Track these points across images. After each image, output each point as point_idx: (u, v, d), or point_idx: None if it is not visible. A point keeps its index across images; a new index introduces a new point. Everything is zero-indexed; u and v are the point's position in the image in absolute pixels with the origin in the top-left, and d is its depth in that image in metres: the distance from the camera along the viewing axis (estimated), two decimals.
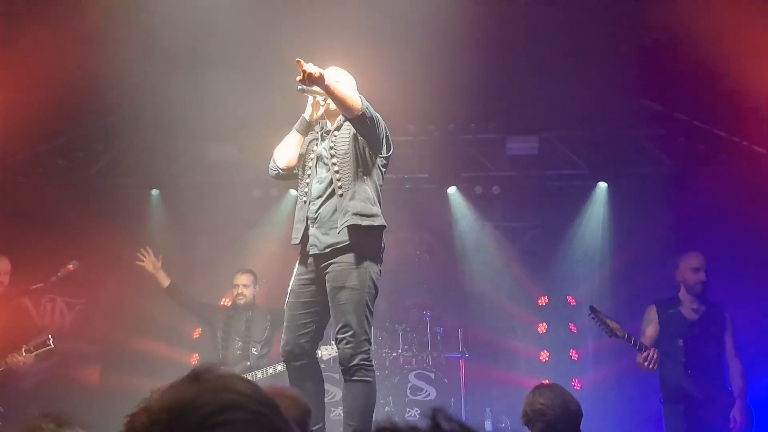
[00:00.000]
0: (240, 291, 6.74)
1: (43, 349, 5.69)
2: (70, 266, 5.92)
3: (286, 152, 4.11)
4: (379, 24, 4.79)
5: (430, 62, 6.85)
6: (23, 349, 5.64)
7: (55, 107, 6.96)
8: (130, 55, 6.62)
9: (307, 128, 4.14)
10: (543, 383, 3.53)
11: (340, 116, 4.06)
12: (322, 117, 4.13)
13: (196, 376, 1.09)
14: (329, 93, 3.69)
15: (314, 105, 4.11)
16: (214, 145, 8.43)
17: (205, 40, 6.58)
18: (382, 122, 3.92)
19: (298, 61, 3.58)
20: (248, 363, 6.50)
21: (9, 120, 6.59)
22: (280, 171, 4.13)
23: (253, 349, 6.58)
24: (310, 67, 3.57)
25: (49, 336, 5.73)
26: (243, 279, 6.82)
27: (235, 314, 6.79)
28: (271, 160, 4.17)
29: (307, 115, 4.13)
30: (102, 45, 6.42)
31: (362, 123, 3.78)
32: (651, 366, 5.26)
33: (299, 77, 3.59)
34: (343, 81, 4.10)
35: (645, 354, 5.26)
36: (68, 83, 6.66)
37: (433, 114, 7.99)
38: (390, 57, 4.45)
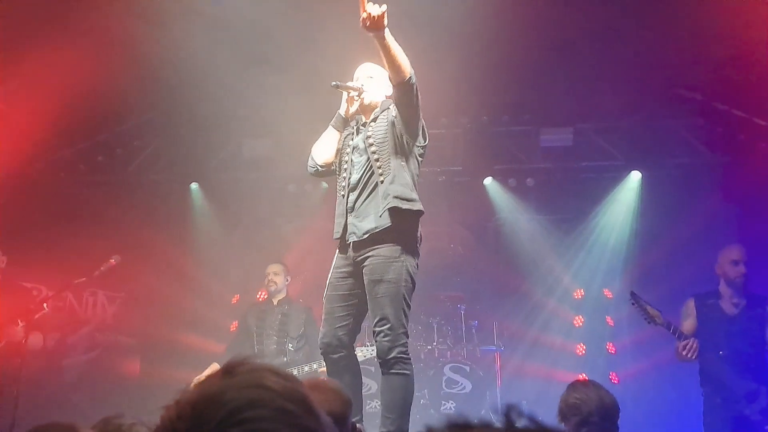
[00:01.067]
0: (270, 278, 6.85)
1: (38, 315, 5.70)
2: (112, 261, 6.03)
3: (323, 149, 4.14)
4: (414, 18, 4.79)
5: (464, 54, 6.82)
6: (19, 323, 5.68)
7: (95, 105, 7.11)
8: (169, 53, 6.72)
9: (343, 124, 4.17)
10: (578, 379, 3.52)
11: (377, 110, 4.08)
12: (357, 112, 4.15)
13: (228, 370, 1.09)
14: (384, 46, 3.61)
15: (349, 100, 4.12)
16: (250, 141, 8.52)
17: (244, 38, 6.64)
18: (419, 105, 3.92)
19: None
20: (285, 359, 6.52)
21: (50, 118, 6.74)
22: (319, 168, 4.17)
23: (290, 345, 6.62)
24: (373, 8, 3.48)
25: (45, 304, 5.79)
26: (273, 268, 6.95)
27: (269, 309, 6.87)
28: (309, 158, 4.20)
29: (342, 110, 4.15)
30: (141, 43, 6.52)
31: (406, 90, 3.77)
32: (690, 355, 5.22)
33: (363, 16, 3.48)
34: (377, 76, 4.13)
35: (684, 343, 5.22)
36: (108, 81, 6.78)
37: (466, 106, 7.97)
38: (424, 50, 4.45)
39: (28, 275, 6.99)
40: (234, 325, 7.89)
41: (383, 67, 3.78)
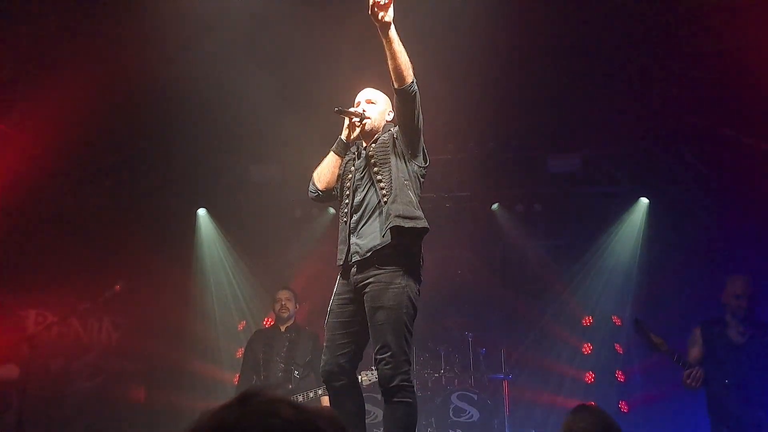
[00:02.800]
0: (283, 304, 6.79)
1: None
2: (117, 287, 6.03)
3: (324, 174, 4.13)
4: (420, 44, 4.82)
5: (472, 80, 6.85)
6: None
7: (102, 129, 7.16)
8: (177, 78, 6.78)
9: (344, 149, 4.16)
10: (583, 404, 3.44)
11: (378, 134, 4.07)
12: (358, 138, 4.14)
13: (244, 399, 1.09)
14: (389, 40, 3.57)
15: (350, 126, 4.11)
16: (257, 166, 8.55)
17: (251, 64, 6.70)
18: (421, 118, 3.90)
19: None
20: (290, 386, 6.45)
21: (57, 142, 6.79)
22: (320, 193, 4.15)
23: (296, 372, 6.54)
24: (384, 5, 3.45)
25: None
26: (285, 293, 6.90)
27: (276, 335, 6.78)
28: (310, 183, 4.19)
29: (343, 136, 4.15)
30: (149, 69, 6.59)
31: (407, 96, 3.73)
32: (695, 384, 5.16)
33: (371, 0, 3.43)
34: (378, 101, 4.14)
35: (689, 372, 5.16)
36: (116, 105, 6.84)
37: (474, 132, 7.98)
38: (430, 76, 4.46)
39: (33, 300, 7.00)
40: (240, 352, 7.85)
41: (389, 71, 3.73)
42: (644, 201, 8.11)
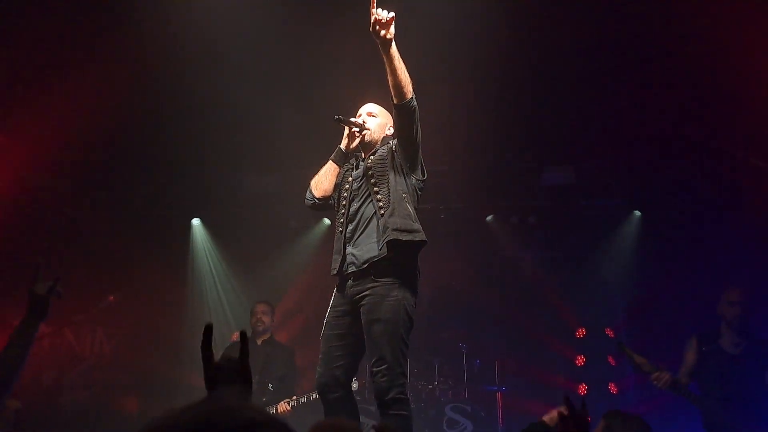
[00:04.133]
0: (259, 317, 6.80)
1: None
2: (111, 298, 6.02)
3: (321, 182, 4.15)
4: (418, 56, 4.85)
5: (466, 92, 6.88)
6: None
7: (96, 138, 7.15)
8: (172, 88, 6.79)
9: (343, 159, 4.19)
10: (616, 410, 3.41)
11: (377, 147, 4.10)
12: (357, 148, 4.17)
13: (211, 399, 1.12)
14: (389, 56, 3.61)
15: (350, 136, 4.15)
16: (252, 176, 8.55)
17: (247, 73, 6.71)
18: (420, 132, 3.93)
19: (372, 1, 3.49)
20: (264, 399, 6.43)
21: (51, 152, 6.78)
22: (317, 201, 4.17)
23: (270, 386, 6.54)
24: (381, 12, 3.48)
25: None
26: (261, 307, 6.90)
27: (254, 348, 6.58)
28: (307, 191, 4.21)
29: (342, 145, 4.18)
30: (144, 78, 6.59)
31: (406, 111, 3.77)
32: (660, 386, 5.12)
33: (373, 18, 3.47)
34: (379, 114, 4.17)
35: (657, 374, 5.12)
36: (110, 115, 6.83)
37: (468, 144, 8.00)
38: (426, 87, 4.49)
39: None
40: None
41: (389, 86, 3.76)
42: (637, 214, 8.15)
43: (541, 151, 8.19)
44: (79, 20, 6.07)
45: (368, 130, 4.10)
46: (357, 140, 4.11)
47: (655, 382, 5.16)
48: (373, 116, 4.18)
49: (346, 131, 4.16)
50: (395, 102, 3.76)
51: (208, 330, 1.64)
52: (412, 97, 3.75)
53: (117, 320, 7.89)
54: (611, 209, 8.30)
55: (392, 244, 3.71)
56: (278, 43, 6.52)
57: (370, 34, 3.54)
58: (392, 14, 3.49)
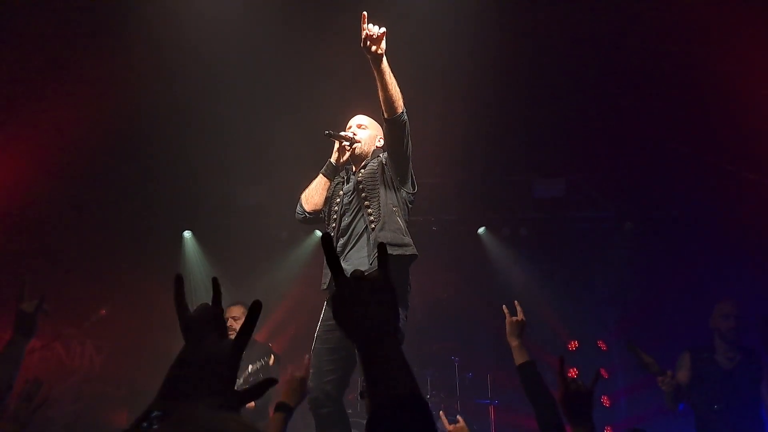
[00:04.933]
0: (229, 324, 6.02)
1: None
2: (102, 311, 5.97)
3: (312, 196, 4.15)
4: (409, 69, 4.88)
5: (458, 106, 6.90)
6: None
7: (87, 151, 7.12)
8: (163, 101, 6.79)
9: (333, 172, 4.19)
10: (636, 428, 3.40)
11: (367, 159, 4.10)
12: (347, 161, 4.17)
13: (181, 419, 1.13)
14: (380, 71, 3.61)
15: (340, 149, 4.15)
16: (243, 188, 8.53)
17: (238, 86, 6.71)
18: (410, 146, 3.93)
19: (363, 15, 3.48)
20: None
21: (42, 163, 6.74)
22: (307, 215, 4.16)
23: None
24: (373, 28, 3.48)
25: None
26: (234, 310, 6.22)
27: None
28: (298, 205, 4.20)
29: (333, 159, 4.18)
30: (135, 91, 6.59)
31: (397, 125, 3.78)
32: (666, 389, 5.09)
33: (364, 34, 3.47)
34: (370, 127, 4.18)
35: (662, 378, 5.09)
36: (101, 128, 6.82)
37: (460, 156, 8.02)
38: (418, 100, 4.50)
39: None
40: None
41: (380, 100, 3.76)
42: (629, 225, 8.16)
43: (532, 164, 8.20)
44: (71, 36, 6.07)
45: (358, 142, 4.11)
46: (347, 153, 4.12)
47: (661, 384, 5.13)
48: (363, 128, 4.19)
49: (337, 145, 4.16)
50: (386, 116, 3.76)
51: (179, 281, 1.64)
52: (402, 111, 3.76)
53: (107, 333, 7.83)
54: (602, 221, 8.31)
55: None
56: (268, 56, 6.53)
57: (361, 48, 3.55)
58: (383, 30, 3.50)
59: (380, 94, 3.70)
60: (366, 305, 1.33)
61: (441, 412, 4.09)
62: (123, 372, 8.01)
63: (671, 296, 7.37)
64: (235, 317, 6.12)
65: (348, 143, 4.11)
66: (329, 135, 4.07)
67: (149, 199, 8.38)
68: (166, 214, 8.46)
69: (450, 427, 3.36)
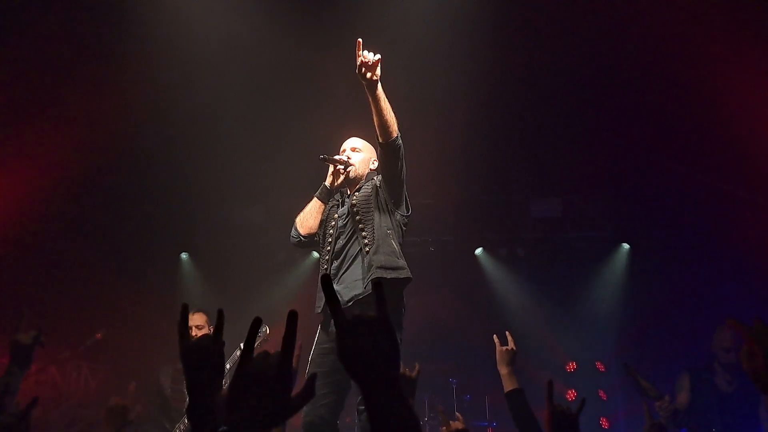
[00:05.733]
0: (194, 334, 5.23)
1: None
2: (98, 335, 5.92)
3: (307, 219, 4.16)
4: (405, 90, 4.91)
5: (454, 126, 6.93)
6: None
7: (84, 174, 7.13)
8: (160, 121, 6.81)
9: (328, 195, 4.20)
10: None
11: (360, 182, 4.12)
12: (342, 185, 4.19)
13: None
14: (375, 97, 3.63)
15: (334, 173, 4.17)
16: (240, 209, 8.54)
17: (233, 108, 6.74)
18: (405, 169, 3.94)
19: (359, 42, 3.50)
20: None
21: (38, 186, 6.74)
22: (302, 238, 4.17)
23: None
24: (368, 55, 3.50)
25: None
26: (196, 319, 5.48)
27: None
28: (293, 228, 4.21)
29: (327, 182, 4.20)
30: (132, 113, 6.61)
31: (392, 149, 3.80)
32: (663, 414, 5.05)
33: (359, 60, 3.48)
34: (363, 150, 4.19)
35: (659, 403, 5.05)
36: (98, 150, 6.82)
37: (456, 176, 8.04)
38: (414, 121, 4.53)
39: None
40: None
41: (375, 126, 3.77)
42: (626, 246, 8.17)
43: (529, 184, 8.22)
44: (69, 57, 6.10)
45: (352, 166, 4.13)
46: (342, 177, 4.14)
47: (658, 410, 5.10)
48: (358, 151, 4.21)
49: (331, 168, 4.18)
50: (380, 141, 3.78)
51: (185, 310, 1.67)
52: (397, 136, 3.78)
53: (103, 355, 7.78)
54: (599, 241, 8.31)
55: (376, 281, 3.69)
56: (267, 77, 6.58)
57: (356, 75, 3.56)
58: (378, 56, 3.52)
59: (375, 119, 3.72)
60: (366, 349, 1.36)
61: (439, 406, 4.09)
62: (119, 395, 7.93)
63: (669, 315, 7.35)
64: (199, 326, 5.44)
65: (342, 167, 4.13)
66: (323, 159, 4.09)
67: (146, 220, 8.37)
68: (163, 236, 8.44)
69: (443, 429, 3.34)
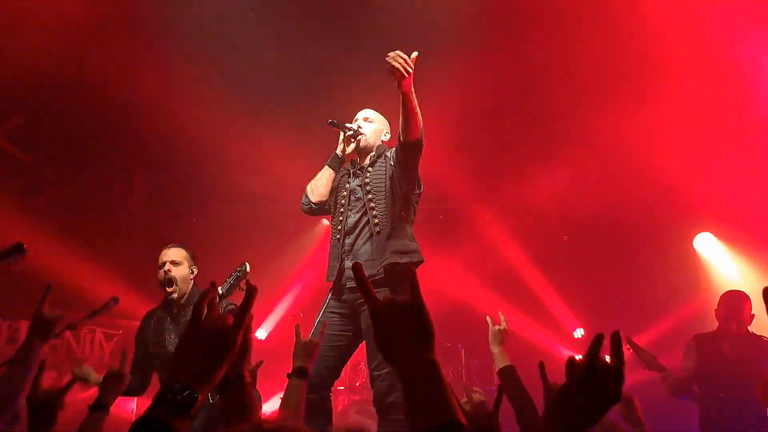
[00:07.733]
0: (167, 268, 4.31)
1: None
2: (112, 303, 5.99)
3: (318, 187, 4.19)
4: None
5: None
6: None
7: (100, 140, 7.14)
8: (172, 89, 6.81)
9: (339, 163, 4.22)
10: None
11: (372, 153, 4.13)
12: (352, 153, 4.20)
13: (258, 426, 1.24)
14: (406, 99, 3.58)
15: (345, 140, 4.19)
16: (250, 178, 8.56)
17: (248, 77, 6.74)
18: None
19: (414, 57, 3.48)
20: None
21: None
22: (313, 206, 4.21)
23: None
24: (401, 58, 3.45)
25: None
26: (171, 254, 4.37)
27: (163, 319, 4.49)
28: (304, 195, 4.25)
29: (339, 150, 4.21)
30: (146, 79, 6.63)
31: (413, 149, 3.80)
32: (667, 384, 5.14)
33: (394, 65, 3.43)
34: (375, 120, 4.20)
35: (664, 374, 5.13)
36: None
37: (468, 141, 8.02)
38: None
39: (25, 312, 6.94)
40: None
41: (400, 123, 3.73)
42: None
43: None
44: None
45: (363, 135, 4.13)
46: (352, 145, 4.15)
47: (662, 381, 5.18)
48: (370, 121, 4.22)
49: (342, 136, 4.18)
50: (404, 140, 3.76)
51: (213, 287, 1.63)
52: (421, 137, 3.76)
53: (116, 320, 7.87)
54: None
55: (389, 267, 3.76)
56: (276, 46, 6.56)
57: (387, 73, 3.49)
58: (415, 53, 3.49)
59: (402, 117, 3.67)
60: (403, 333, 1.37)
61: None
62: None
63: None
64: (175, 261, 4.34)
65: (351, 134, 4.13)
66: (333, 124, 4.09)
67: (158, 186, 8.43)
68: (173, 200, 8.50)
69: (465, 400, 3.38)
